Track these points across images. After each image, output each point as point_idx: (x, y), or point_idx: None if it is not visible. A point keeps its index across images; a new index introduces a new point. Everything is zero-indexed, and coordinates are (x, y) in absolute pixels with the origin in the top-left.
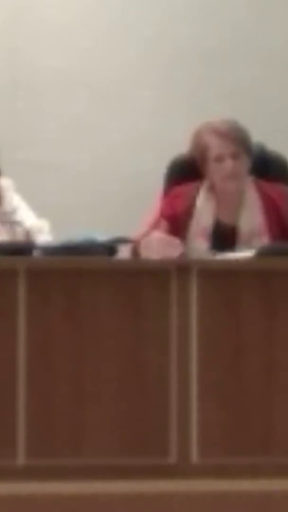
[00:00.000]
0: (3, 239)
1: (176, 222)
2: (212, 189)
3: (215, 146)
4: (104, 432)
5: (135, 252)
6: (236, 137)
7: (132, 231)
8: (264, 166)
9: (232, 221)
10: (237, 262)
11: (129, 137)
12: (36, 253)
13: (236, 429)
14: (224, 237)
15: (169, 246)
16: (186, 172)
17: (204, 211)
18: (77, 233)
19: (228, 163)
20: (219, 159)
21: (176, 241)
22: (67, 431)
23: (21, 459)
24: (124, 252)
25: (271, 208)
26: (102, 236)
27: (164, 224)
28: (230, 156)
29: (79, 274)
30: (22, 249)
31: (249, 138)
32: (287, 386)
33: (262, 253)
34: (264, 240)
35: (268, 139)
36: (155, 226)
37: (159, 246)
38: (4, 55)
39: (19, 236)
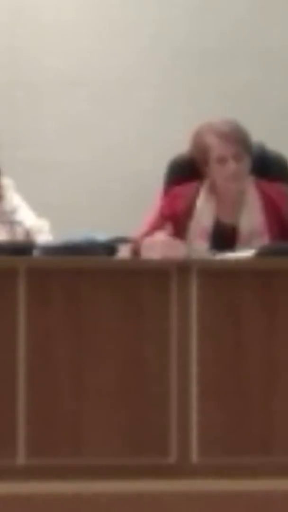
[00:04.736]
0: (3, 239)
1: (176, 222)
2: (212, 189)
3: (217, 147)
4: (104, 432)
5: (135, 252)
6: (238, 138)
7: (132, 231)
8: (264, 166)
9: (232, 221)
10: (237, 262)
11: (129, 137)
12: (36, 253)
13: (236, 429)
14: (224, 237)
15: (172, 248)
16: (186, 172)
17: (204, 211)
18: (77, 233)
19: (231, 165)
20: (221, 160)
21: (180, 244)
22: (67, 431)
23: (21, 459)
24: (124, 252)
25: (271, 208)
26: (102, 236)
27: (168, 226)
28: (232, 158)
29: (79, 274)
30: (22, 249)
31: (249, 138)
32: (287, 386)
33: (262, 253)
34: (264, 240)
35: (268, 139)
36: (157, 226)
37: (163, 248)
38: (4, 55)
39: (19, 236)
